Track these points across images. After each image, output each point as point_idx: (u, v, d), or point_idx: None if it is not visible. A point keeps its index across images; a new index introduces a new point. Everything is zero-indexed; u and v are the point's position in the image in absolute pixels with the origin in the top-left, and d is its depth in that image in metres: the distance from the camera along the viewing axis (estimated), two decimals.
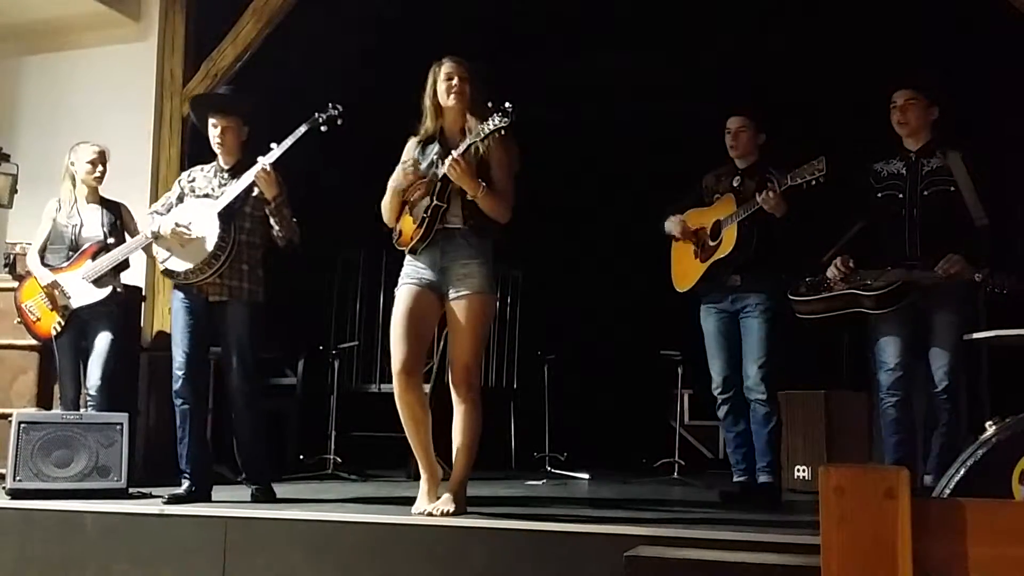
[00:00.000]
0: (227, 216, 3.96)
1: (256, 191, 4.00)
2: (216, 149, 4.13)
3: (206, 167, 4.19)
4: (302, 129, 4.00)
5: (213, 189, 4.07)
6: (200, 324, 3.99)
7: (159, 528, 3.45)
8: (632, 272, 6.12)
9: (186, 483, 3.89)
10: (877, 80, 4.03)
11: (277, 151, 3.97)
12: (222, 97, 4.34)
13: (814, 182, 3.80)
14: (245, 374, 3.99)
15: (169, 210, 4.10)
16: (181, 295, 4.01)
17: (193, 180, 4.16)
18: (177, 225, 3.94)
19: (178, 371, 3.94)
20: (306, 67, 5.52)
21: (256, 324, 4.04)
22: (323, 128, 4.00)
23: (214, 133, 4.10)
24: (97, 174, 4.54)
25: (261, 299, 4.07)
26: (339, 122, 3.99)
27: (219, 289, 3.98)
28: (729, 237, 4.11)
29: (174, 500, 3.72)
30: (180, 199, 4.13)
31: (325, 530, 3.28)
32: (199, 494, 3.87)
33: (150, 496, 3.97)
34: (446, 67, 3.55)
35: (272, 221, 4.01)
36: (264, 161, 3.94)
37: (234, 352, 3.98)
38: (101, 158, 4.56)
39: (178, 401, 3.95)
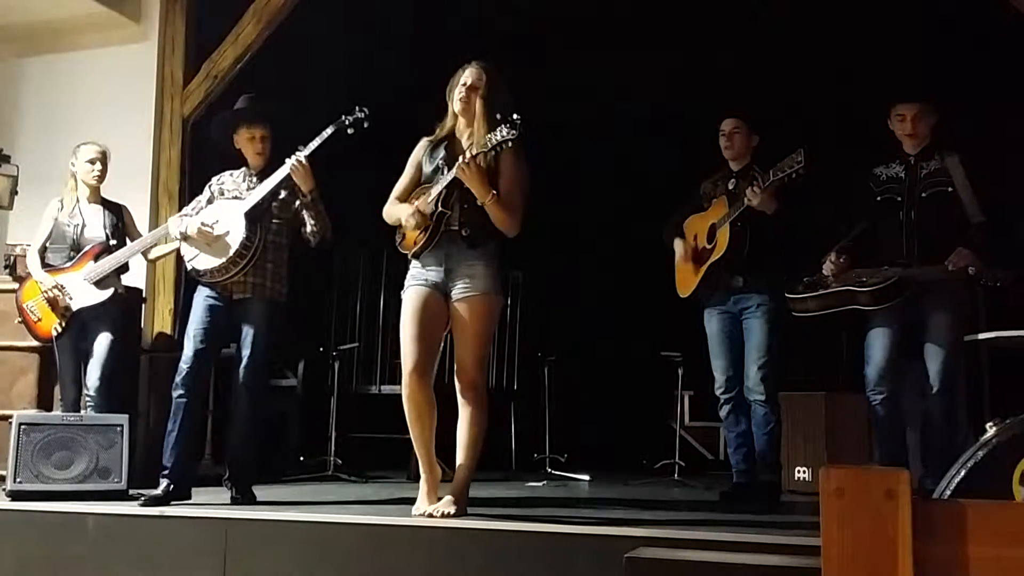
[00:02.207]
0: (254, 216, 4.00)
1: (283, 193, 4.04)
2: (256, 159, 4.15)
3: (235, 172, 4.22)
4: (328, 131, 4.01)
5: (241, 192, 4.11)
6: (218, 323, 4.00)
7: (160, 530, 3.45)
8: (632, 273, 6.13)
9: (164, 482, 3.81)
10: (877, 82, 4.04)
11: (305, 151, 3.99)
12: (266, 106, 4.31)
13: (794, 175, 3.82)
14: (254, 371, 3.98)
15: (198, 213, 4.14)
16: (206, 291, 4.03)
17: (223, 183, 4.20)
18: (203, 225, 3.99)
19: (184, 364, 3.92)
20: (306, 68, 5.52)
21: (273, 322, 4.04)
22: (350, 131, 4.01)
23: (254, 143, 4.13)
24: (96, 172, 4.55)
25: (283, 299, 4.10)
26: (366, 125, 4.01)
27: (243, 287, 4.01)
28: (722, 238, 4.13)
29: (151, 502, 3.66)
30: (210, 202, 4.17)
31: (325, 532, 3.27)
32: (177, 492, 3.79)
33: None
34: (464, 73, 3.51)
35: (306, 215, 4.04)
36: (299, 155, 3.96)
37: (247, 348, 3.98)
38: (101, 157, 4.57)
39: (176, 393, 3.91)
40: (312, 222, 4.04)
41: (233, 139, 4.20)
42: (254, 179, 4.14)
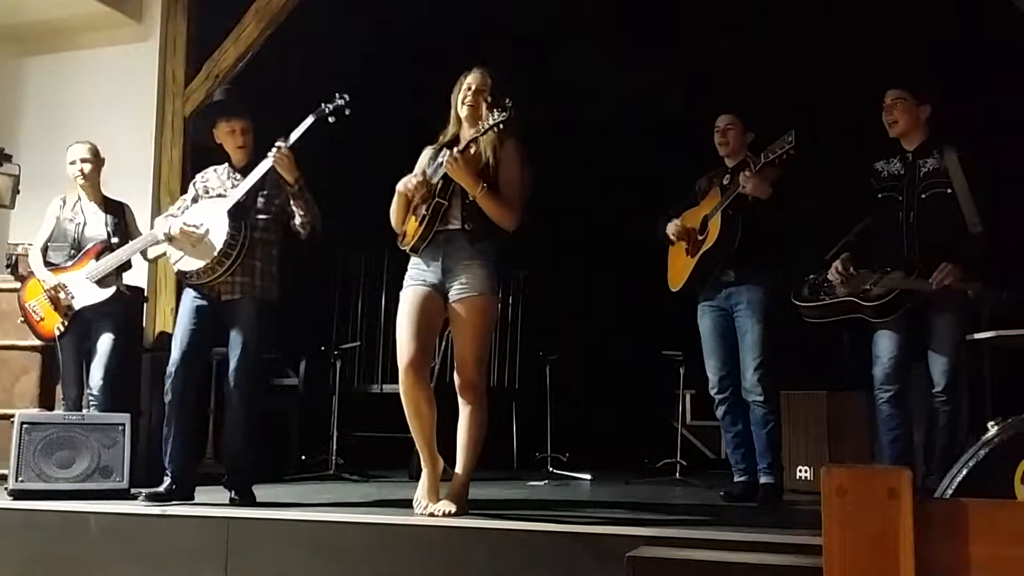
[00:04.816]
0: (237, 214, 3.92)
1: (267, 188, 3.97)
2: (237, 153, 4.07)
3: (219, 168, 4.15)
4: (309, 120, 3.95)
5: (225, 189, 4.03)
6: (205, 324, 3.95)
7: (161, 528, 3.45)
8: (633, 272, 6.12)
9: (167, 480, 3.83)
10: (874, 79, 4.05)
11: (285, 143, 3.92)
12: (236, 100, 4.27)
13: (786, 156, 3.82)
14: (245, 373, 3.92)
15: (183, 212, 4.08)
16: (193, 292, 3.97)
17: (207, 181, 4.13)
18: (186, 225, 3.92)
19: (172, 367, 3.89)
20: (307, 67, 5.52)
21: (263, 322, 3.97)
22: (331, 119, 3.93)
23: (234, 137, 4.04)
24: (86, 170, 4.50)
25: (274, 297, 4.02)
26: (347, 112, 3.92)
27: (231, 288, 3.94)
28: (714, 228, 4.13)
29: (153, 498, 3.69)
30: (195, 200, 4.10)
31: (327, 530, 3.28)
32: (179, 492, 3.81)
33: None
34: (468, 77, 3.54)
35: (294, 206, 3.95)
36: (281, 145, 3.87)
37: (237, 350, 3.92)
38: (85, 156, 4.53)
39: (167, 398, 3.89)
40: (301, 213, 3.95)
41: (213, 134, 4.12)
42: (237, 175, 4.05)
